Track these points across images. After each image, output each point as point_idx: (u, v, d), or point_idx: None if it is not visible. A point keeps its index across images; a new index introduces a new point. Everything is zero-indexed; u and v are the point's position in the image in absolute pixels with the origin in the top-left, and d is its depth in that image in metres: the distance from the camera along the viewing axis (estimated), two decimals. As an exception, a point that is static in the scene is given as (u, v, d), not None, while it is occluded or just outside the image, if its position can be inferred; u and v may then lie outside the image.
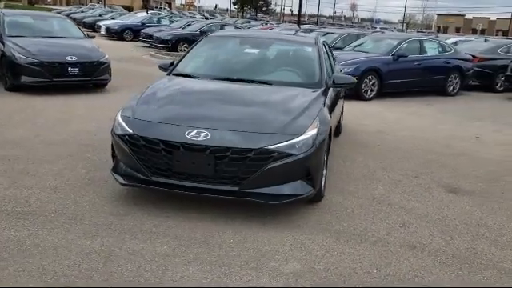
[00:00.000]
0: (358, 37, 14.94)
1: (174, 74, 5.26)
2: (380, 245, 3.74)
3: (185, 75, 5.21)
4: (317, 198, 4.31)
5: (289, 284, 3.11)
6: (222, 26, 21.43)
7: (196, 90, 4.85)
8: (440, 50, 12.47)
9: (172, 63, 5.56)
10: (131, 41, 24.32)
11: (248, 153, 3.77)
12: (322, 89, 4.89)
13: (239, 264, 3.30)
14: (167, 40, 19.83)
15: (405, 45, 11.71)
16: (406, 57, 11.43)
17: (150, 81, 5.19)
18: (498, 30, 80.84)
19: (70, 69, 9.01)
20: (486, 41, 15.87)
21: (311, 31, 17.92)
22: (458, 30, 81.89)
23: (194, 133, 3.84)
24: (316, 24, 49.70)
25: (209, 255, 3.39)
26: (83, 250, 3.33)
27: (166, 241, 3.55)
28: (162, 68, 5.55)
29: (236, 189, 3.83)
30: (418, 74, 11.66)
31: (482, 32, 76.90)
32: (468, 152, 6.81)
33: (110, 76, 9.86)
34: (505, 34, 76.07)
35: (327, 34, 16.33)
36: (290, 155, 3.82)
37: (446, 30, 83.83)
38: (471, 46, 14.37)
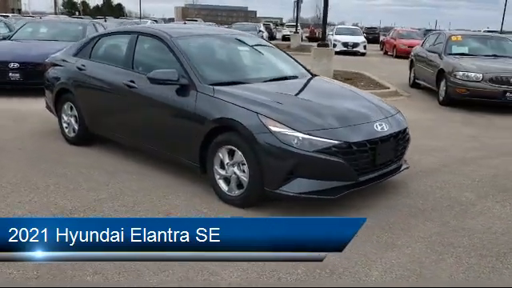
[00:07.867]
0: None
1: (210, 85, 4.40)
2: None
3: (227, 83, 4.52)
4: None
5: None
6: None
7: (287, 93, 4.65)
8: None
9: (178, 76, 4.41)
10: None
11: (405, 131, 4.55)
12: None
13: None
14: None
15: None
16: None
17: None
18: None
19: None
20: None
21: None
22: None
23: (379, 126, 4.24)
24: None
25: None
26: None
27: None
28: (163, 80, 4.44)
29: (397, 165, 4.55)
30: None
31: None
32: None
33: None
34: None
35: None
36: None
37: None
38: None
